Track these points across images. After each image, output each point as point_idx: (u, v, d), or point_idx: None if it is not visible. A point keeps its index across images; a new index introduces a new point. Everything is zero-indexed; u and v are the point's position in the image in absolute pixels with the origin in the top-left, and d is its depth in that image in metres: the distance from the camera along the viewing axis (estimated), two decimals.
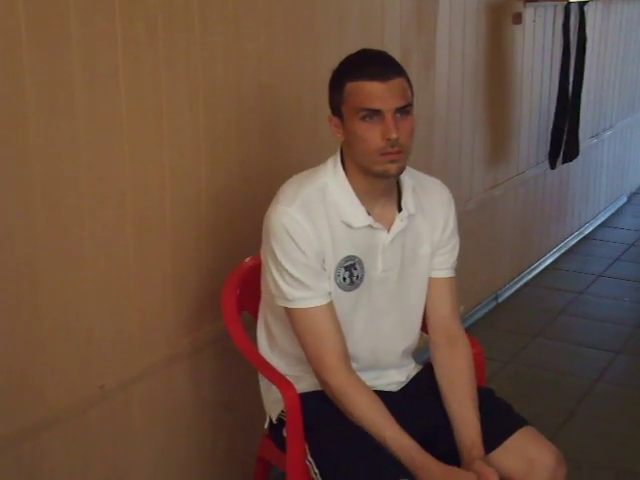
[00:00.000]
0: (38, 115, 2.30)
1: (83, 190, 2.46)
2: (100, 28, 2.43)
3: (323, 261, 2.35)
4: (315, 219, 2.33)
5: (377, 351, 2.53)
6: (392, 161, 2.30)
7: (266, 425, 2.65)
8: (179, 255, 2.83)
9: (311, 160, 2.50)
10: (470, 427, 2.39)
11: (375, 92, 2.27)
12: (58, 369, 2.49)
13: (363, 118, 2.28)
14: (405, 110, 2.29)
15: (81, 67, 2.39)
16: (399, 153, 2.29)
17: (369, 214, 2.39)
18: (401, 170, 2.35)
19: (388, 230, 2.43)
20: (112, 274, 2.61)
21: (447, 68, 4.33)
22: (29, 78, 2.25)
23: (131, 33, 2.52)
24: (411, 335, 2.60)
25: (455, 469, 2.27)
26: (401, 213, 2.45)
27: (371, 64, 2.31)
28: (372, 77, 2.27)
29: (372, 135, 2.27)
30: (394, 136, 2.25)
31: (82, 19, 2.36)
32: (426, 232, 2.52)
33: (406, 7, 3.88)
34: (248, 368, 2.64)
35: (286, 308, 2.39)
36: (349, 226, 2.38)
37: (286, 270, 2.33)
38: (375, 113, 2.26)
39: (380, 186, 2.39)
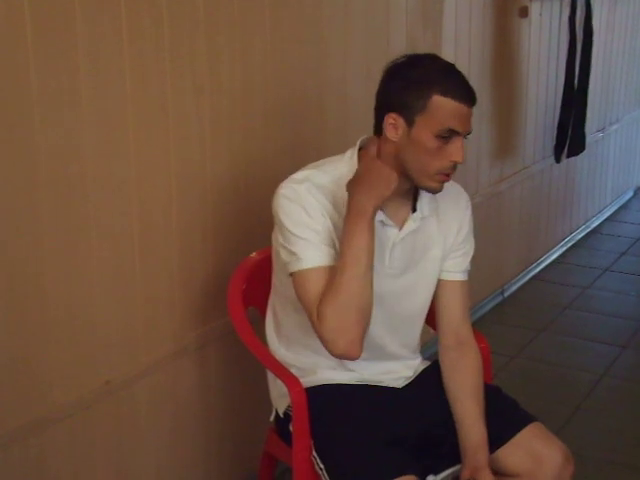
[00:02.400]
0: (43, 111, 2.30)
1: (89, 185, 2.46)
2: (105, 23, 2.43)
3: (333, 239, 2.31)
4: (323, 204, 2.31)
5: (381, 344, 2.51)
6: (443, 181, 2.32)
7: (272, 417, 2.65)
8: (185, 250, 2.83)
9: (317, 158, 2.49)
10: (476, 432, 2.38)
11: (463, 115, 2.27)
12: (64, 364, 2.49)
13: (440, 135, 2.26)
14: (468, 136, 2.32)
15: (86, 63, 2.39)
16: (451, 175, 2.33)
17: (382, 210, 2.38)
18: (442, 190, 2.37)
19: (400, 229, 2.43)
20: (118, 269, 2.61)
21: (453, 62, 4.30)
22: (34, 74, 2.26)
23: (137, 29, 2.52)
24: (414, 332, 2.60)
25: None
26: (415, 214, 2.44)
27: (463, 86, 2.30)
28: (463, 100, 2.27)
29: (442, 154, 2.27)
30: (461, 161, 2.28)
31: (87, 14, 2.36)
32: (438, 235, 2.51)
33: (412, 2, 3.87)
34: (254, 363, 2.64)
35: (295, 274, 2.31)
36: None
37: (292, 233, 2.28)
38: (451, 133, 2.26)
39: (404, 187, 2.37)
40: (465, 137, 2.30)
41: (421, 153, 2.28)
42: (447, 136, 2.26)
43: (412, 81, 2.30)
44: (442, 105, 2.25)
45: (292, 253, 2.30)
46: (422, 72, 2.31)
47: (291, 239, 2.30)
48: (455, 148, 2.27)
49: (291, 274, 2.32)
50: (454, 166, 2.29)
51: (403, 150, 2.31)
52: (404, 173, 2.32)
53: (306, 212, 2.29)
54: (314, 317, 2.26)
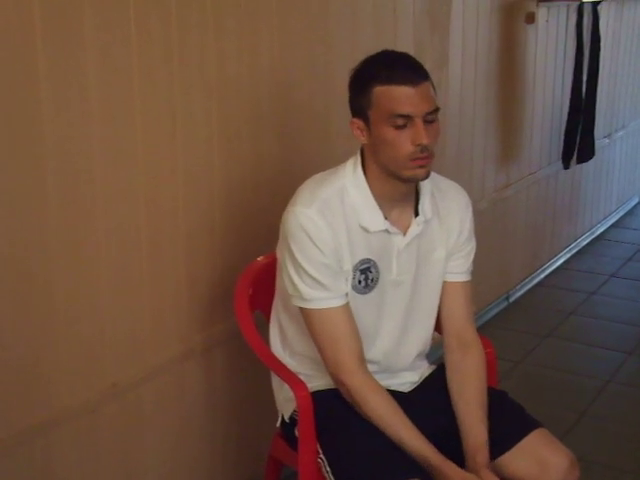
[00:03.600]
0: (52, 111, 2.30)
1: (97, 188, 2.47)
2: (114, 25, 2.44)
3: (340, 262, 2.35)
4: (333, 221, 2.32)
5: (391, 355, 2.53)
6: (421, 166, 2.29)
7: (278, 423, 2.65)
8: (192, 253, 2.83)
9: (324, 161, 2.50)
10: (476, 433, 2.37)
11: (406, 97, 2.24)
12: (71, 366, 2.50)
13: (393, 123, 2.26)
14: (433, 116, 2.28)
15: (95, 63, 2.40)
16: (427, 158, 2.29)
17: (386, 218, 2.39)
18: (428, 174, 2.34)
19: (404, 234, 2.43)
20: (125, 272, 2.62)
21: (460, 67, 4.33)
22: (44, 76, 2.26)
23: (145, 30, 2.53)
24: (424, 339, 2.60)
25: (470, 475, 2.26)
26: (418, 218, 2.44)
27: (400, 68, 2.28)
28: (402, 81, 2.24)
29: (402, 141, 2.26)
30: (425, 142, 2.24)
31: (96, 14, 2.37)
32: (441, 236, 2.51)
33: (419, 6, 3.87)
34: (260, 366, 2.64)
35: (302, 309, 2.38)
36: (366, 230, 2.37)
37: (304, 269, 2.32)
38: (405, 118, 2.25)
39: (402, 190, 2.38)
40: (430, 117, 2.27)
41: (386, 147, 2.29)
42: (402, 123, 2.25)
43: (357, 81, 2.35)
44: (384, 94, 2.27)
45: (298, 289, 2.35)
46: (363, 69, 2.35)
47: (301, 273, 2.34)
48: (415, 131, 2.25)
49: (300, 307, 2.39)
50: (423, 149, 2.26)
51: (374, 150, 2.34)
52: (386, 171, 2.34)
53: (317, 248, 2.31)
54: (330, 363, 2.37)
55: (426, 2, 3.92)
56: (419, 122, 2.24)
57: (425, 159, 2.28)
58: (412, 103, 2.24)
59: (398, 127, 2.25)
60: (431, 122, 2.28)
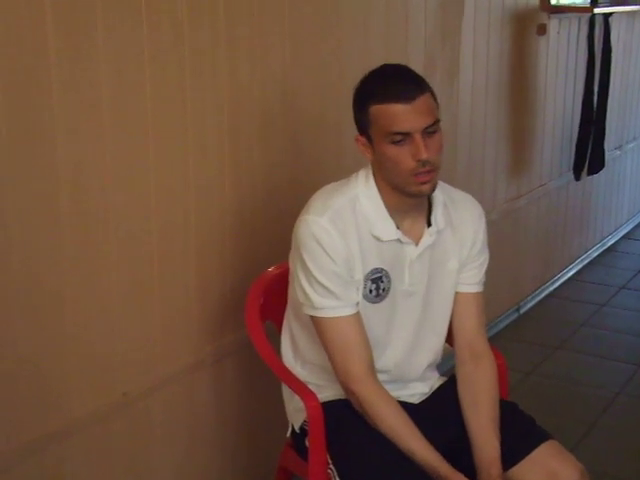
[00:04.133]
0: (64, 123, 2.31)
1: (109, 198, 2.47)
2: (127, 37, 2.45)
3: (352, 271, 2.35)
4: (345, 230, 2.32)
5: (402, 365, 2.52)
6: (424, 182, 2.29)
7: (288, 434, 2.65)
8: (203, 263, 2.84)
9: (335, 170, 2.50)
10: (489, 446, 2.37)
11: (401, 114, 2.23)
12: (81, 376, 2.50)
13: (392, 141, 2.26)
14: (433, 128, 2.27)
15: (108, 76, 2.41)
16: (430, 172, 2.28)
17: (398, 228, 2.39)
18: (434, 188, 2.34)
19: (416, 244, 2.43)
20: (136, 281, 2.62)
21: (471, 78, 4.33)
22: (56, 89, 2.27)
23: (157, 42, 2.54)
24: (435, 350, 2.59)
25: None
26: (430, 228, 2.44)
27: (393, 84, 2.27)
28: (397, 99, 2.24)
29: (403, 157, 2.25)
30: (424, 157, 2.23)
31: (109, 27, 2.38)
32: (454, 247, 2.51)
33: (430, 17, 3.88)
34: (271, 377, 2.64)
35: (313, 317, 2.39)
36: (378, 239, 2.37)
37: (315, 278, 2.33)
38: (404, 135, 2.24)
39: (411, 202, 2.38)
40: (430, 131, 2.26)
41: (389, 163, 2.30)
42: (400, 139, 2.25)
43: (357, 100, 2.36)
44: (380, 113, 2.27)
45: (309, 298, 2.35)
46: (361, 88, 2.36)
47: (312, 282, 2.34)
48: (414, 147, 2.24)
49: (311, 316, 2.40)
50: (425, 163, 2.25)
51: (379, 166, 2.36)
52: (392, 186, 2.35)
53: (329, 256, 2.31)
54: (340, 372, 2.37)
55: (438, 13, 3.93)
56: (418, 137, 2.24)
57: (428, 174, 2.28)
58: (408, 120, 2.23)
59: (397, 144, 2.25)
60: (431, 136, 2.27)
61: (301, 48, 3.10)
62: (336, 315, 2.35)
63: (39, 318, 2.36)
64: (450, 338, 2.60)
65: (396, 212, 2.39)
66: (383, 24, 3.55)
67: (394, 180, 2.32)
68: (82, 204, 2.41)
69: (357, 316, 2.37)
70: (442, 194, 2.47)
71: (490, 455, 2.35)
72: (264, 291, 2.73)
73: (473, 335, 2.55)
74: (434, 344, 2.58)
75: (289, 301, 2.59)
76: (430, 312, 2.52)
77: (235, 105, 2.84)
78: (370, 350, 2.38)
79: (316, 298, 2.34)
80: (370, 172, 2.41)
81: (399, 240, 2.39)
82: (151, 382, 2.73)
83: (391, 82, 2.29)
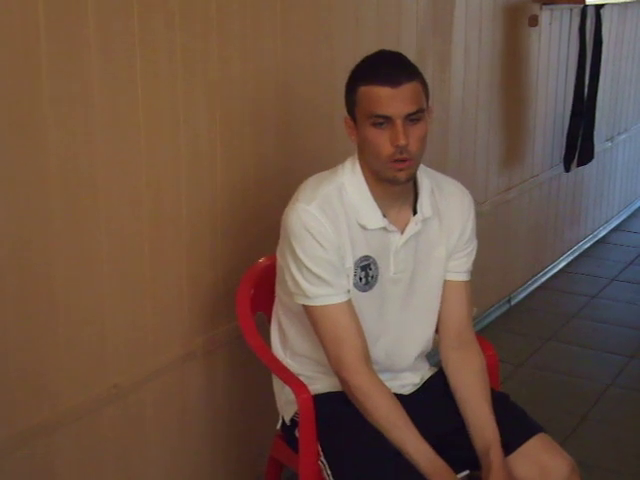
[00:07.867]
0: (55, 115, 2.30)
1: (99, 190, 2.47)
2: (118, 29, 2.44)
3: (342, 258, 2.35)
4: (334, 218, 2.33)
5: (392, 354, 2.52)
6: (400, 169, 2.29)
7: (279, 426, 2.65)
8: (194, 255, 2.83)
9: (327, 161, 2.50)
10: (488, 429, 2.37)
11: (385, 98, 2.24)
12: (72, 367, 2.49)
13: (373, 124, 2.26)
14: (416, 116, 2.27)
15: (99, 68, 2.39)
16: (406, 161, 2.27)
17: (384, 216, 2.39)
18: (410, 177, 2.34)
19: (402, 232, 2.43)
20: (127, 273, 2.61)
21: (462, 70, 4.32)
22: (46, 76, 2.26)
23: (149, 33, 2.52)
24: (425, 338, 2.58)
25: None
26: (416, 216, 2.44)
27: (383, 68, 2.28)
28: (383, 82, 2.24)
29: (382, 141, 2.26)
30: (402, 143, 2.23)
31: (100, 18, 2.37)
32: (442, 235, 2.50)
33: (422, 8, 3.87)
34: (262, 369, 2.64)
35: (305, 306, 2.38)
36: (364, 227, 2.37)
37: (306, 267, 2.32)
38: (385, 119, 2.25)
39: (395, 190, 2.38)
40: (413, 119, 2.26)
41: (368, 146, 2.31)
42: (381, 122, 2.25)
43: (348, 80, 2.37)
44: (365, 93, 2.28)
45: (301, 287, 2.35)
46: (355, 69, 2.37)
47: (303, 271, 2.34)
48: (393, 133, 2.24)
49: (303, 305, 2.39)
50: (402, 150, 2.25)
51: (361, 149, 2.37)
52: (371, 171, 2.36)
53: (319, 244, 2.31)
54: (333, 360, 2.37)
55: (429, 3, 3.92)
56: (399, 123, 2.24)
57: (404, 162, 2.28)
58: (390, 104, 2.24)
59: (378, 126, 2.26)
60: (414, 124, 2.27)
61: (293, 39, 3.09)
62: (328, 303, 2.34)
63: (29, 309, 2.35)
64: (437, 326, 2.59)
65: (382, 200, 2.38)
66: (375, 15, 3.54)
67: (374, 165, 2.33)
68: (72, 197, 2.40)
69: (349, 304, 2.37)
70: (429, 181, 2.47)
71: (489, 438, 2.36)
72: (255, 282, 2.73)
73: (462, 323, 2.55)
74: (423, 332, 2.57)
75: (277, 294, 2.58)
76: (416, 299, 2.51)
77: (227, 96, 2.83)
78: (364, 339, 2.38)
79: (308, 287, 2.34)
80: (357, 161, 2.41)
81: (385, 228, 2.39)
82: (142, 373, 2.72)
83: (381, 66, 2.30)
